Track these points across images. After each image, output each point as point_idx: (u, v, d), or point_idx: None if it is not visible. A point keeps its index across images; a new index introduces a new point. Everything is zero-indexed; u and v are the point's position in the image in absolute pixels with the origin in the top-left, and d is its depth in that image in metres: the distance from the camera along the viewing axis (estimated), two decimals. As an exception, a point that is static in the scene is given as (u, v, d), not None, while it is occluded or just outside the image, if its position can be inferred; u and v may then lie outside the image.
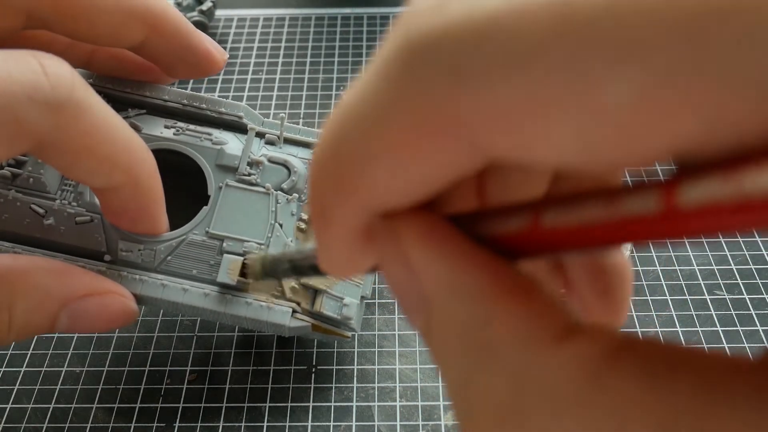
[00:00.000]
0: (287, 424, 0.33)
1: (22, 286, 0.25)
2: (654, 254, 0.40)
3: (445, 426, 0.33)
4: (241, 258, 0.30)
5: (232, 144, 0.33)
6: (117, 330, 0.37)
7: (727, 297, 0.38)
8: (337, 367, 0.35)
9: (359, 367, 0.35)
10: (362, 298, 0.32)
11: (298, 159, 0.33)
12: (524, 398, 0.11)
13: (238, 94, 0.51)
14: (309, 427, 0.33)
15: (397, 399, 0.34)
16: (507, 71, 0.10)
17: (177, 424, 0.33)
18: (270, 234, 0.31)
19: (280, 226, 0.32)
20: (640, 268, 0.39)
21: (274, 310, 0.30)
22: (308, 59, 0.54)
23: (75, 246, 0.30)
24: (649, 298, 0.38)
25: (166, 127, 0.33)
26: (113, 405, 0.34)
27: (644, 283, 0.38)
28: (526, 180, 0.16)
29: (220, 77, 0.52)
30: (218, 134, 0.33)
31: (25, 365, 0.35)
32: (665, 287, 0.38)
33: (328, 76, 0.52)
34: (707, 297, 0.38)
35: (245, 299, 0.30)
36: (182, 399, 0.34)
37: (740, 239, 0.40)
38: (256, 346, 0.36)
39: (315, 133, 0.35)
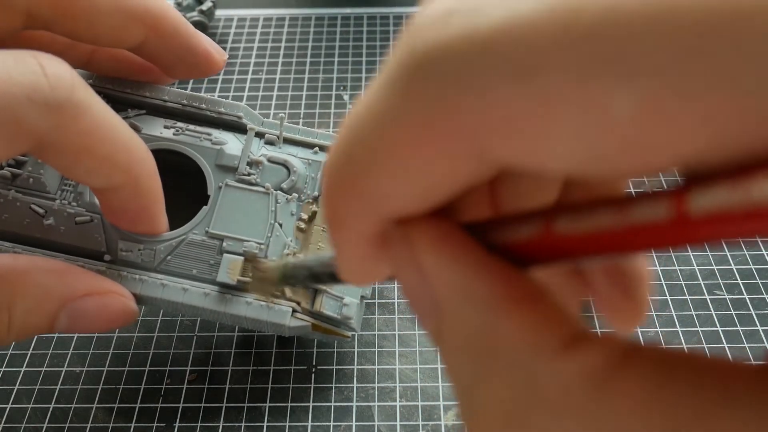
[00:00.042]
0: (287, 424, 0.33)
1: (22, 286, 0.25)
2: (654, 254, 0.40)
3: (445, 426, 0.33)
4: (241, 258, 0.30)
5: (232, 144, 0.33)
6: (117, 330, 0.37)
7: (727, 297, 0.38)
8: (337, 367, 0.35)
9: (359, 367, 0.35)
10: (362, 297, 0.32)
11: (297, 159, 0.33)
12: (529, 405, 0.11)
13: (237, 94, 0.51)
14: (309, 427, 0.33)
15: (397, 399, 0.34)
16: (510, 82, 0.10)
17: (177, 424, 0.33)
18: (270, 234, 0.31)
19: (280, 225, 0.32)
20: (640, 268, 0.39)
21: (274, 310, 0.30)
22: (308, 59, 0.54)
23: (75, 246, 0.30)
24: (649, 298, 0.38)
25: (166, 127, 0.33)
26: (113, 405, 0.34)
27: (644, 283, 0.38)
28: (537, 187, 0.16)
29: (220, 77, 0.52)
30: (218, 134, 0.33)
31: (25, 365, 0.35)
32: (665, 287, 0.38)
33: (328, 76, 0.52)
34: (707, 297, 0.38)
35: (245, 299, 0.30)
36: (182, 399, 0.34)
37: (740, 239, 0.40)
38: (256, 346, 0.36)
39: (315, 133, 0.35)
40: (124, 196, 0.27)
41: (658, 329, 0.36)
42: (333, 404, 0.34)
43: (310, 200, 0.33)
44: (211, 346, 0.36)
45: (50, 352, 0.36)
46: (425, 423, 0.33)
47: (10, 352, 0.36)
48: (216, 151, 0.33)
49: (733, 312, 0.37)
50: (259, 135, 0.34)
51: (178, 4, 0.54)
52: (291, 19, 0.58)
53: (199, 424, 0.33)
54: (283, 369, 0.35)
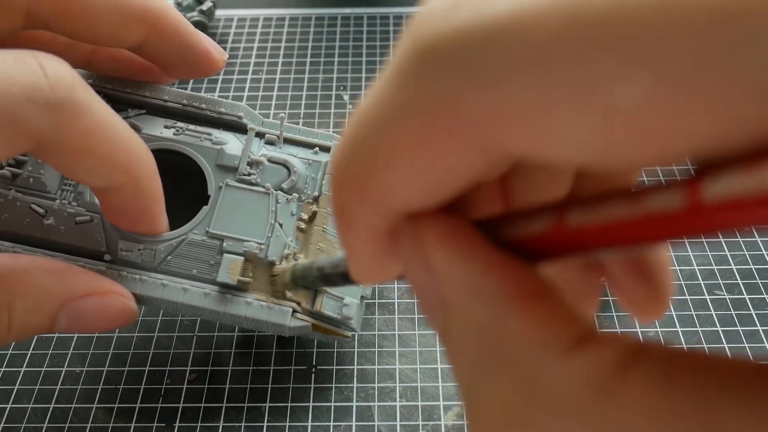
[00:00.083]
0: (287, 424, 0.33)
1: (22, 285, 0.25)
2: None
3: (445, 426, 0.33)
4: (242, 258, 0.30)
5: (232, 144, 0.33)
6: (117, 330, 0.37)
7: (727, 297, 0.38)
8: (337, 367, 0.35)
9: (359, 367, 0.35)
10: (362, 298, 0.32)
11: (298, 159, 0.33)
12: (534, 404, 0.11)
13: (238, 94, 0.51)
14: (309, 427, 0.33)
15: (397, 399, 0.34)
16: (516, 72, 0.10)
17: (177, 424, 0.33)
18: (270, 234, 0.31)
19: (280, 225, 0.32)
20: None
21: (275, 310, 0.30)
22: (308, 59, 0.54)
23: (75, 246, 0.30)
24: (649, 298, 0.38)
25: (166, 127, 0.33)
26: (113, 405, 0.34)
27: (644, 283, 0.38)
28: (548, 181, 0.16)
29: (220, 77, 0.52)
30: (218, 134, 0.33)
31: (25, 365, 0.35)
32: (665, 287, 0.38)
33: (328, 76, 0.52)
34: (707, 297, 0.38)
35: (245, 299, 0.30)
36: (182, 399, 0.34)
37: (740, 239, 0.40)
38: (256, 346, 0.36)
39: (315, 134, 0.35)
40: (124, 196, 0.27)
41: (658, 329, 0.36)
42: (333, 404, 0.34)
43: (311, 200, 0.33)
44: (211, 346, 0.36)
45: (50, 352, 0.36)
46: (425, 423, 0.33)
47: (10, 352, 0.36)
48: (216, 151, 0.33)
49: (733, 312, 0.37)
50: (260, 135, 0.34)
51: (178, 4, 0.54)
52: (291, 19, 0.58)
53: (199, 424, 0.33)
54: (283, 369, 0.35)
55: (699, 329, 0.36)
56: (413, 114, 0.11)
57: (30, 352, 0.36)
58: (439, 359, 0.35)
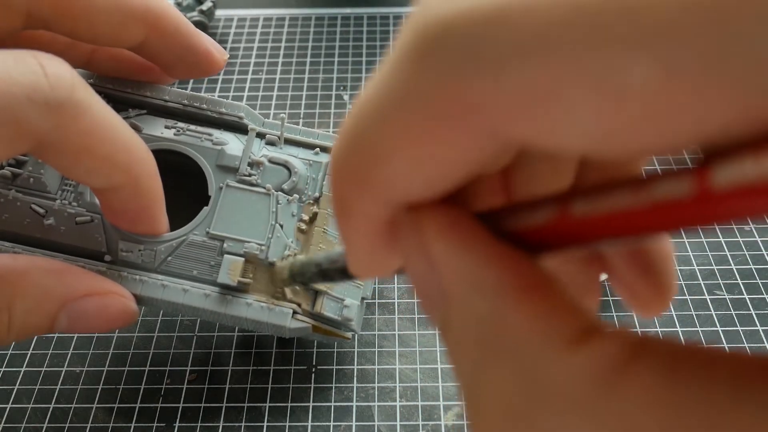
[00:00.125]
0: (287, 424, 0.33)
1: (22, 286, 0.25)
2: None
3: (445, 426, 0.33)
4: (242, 259, 0.30)
5: (233, 144, 0.33)
6: (117, 330, 0.37)
7: (727, 297, 0.38)
8: (337, 367, 0.35)
9: (359, 367, 0.35)
10: (363, 299, 0.32)
11: (298, 160, 0.33)
12: (537, 400, 0.10)
13: (238, 94, 0.51)
14: (309, 427, 0.33)
15: (397, 399, 0.34)
16: (524, 56, 0.10)
17: (177, 424, 0.33)
18: (270, 235, 0.31)
19: (281, 226, 0.32)
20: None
21: (275, 311, 0.30)
22: (308, 59, 0.54)
23: (75, 246, 0.30)
24: (649, 298, 0.38)
25: (167, 127, 0.33)
26: (113, 405, 0.34)
27: (644, 283, 0.38)
28: (551, 172, 0.16)
29: (220, 77, 0.52)
30: (219, 135, 0.33)
31: (25, 365, 0.35)
32: (665, 287, 0.38)
33: (328, 76, 0.52)
34: (707, 297, 0.38)
35: (246, 300, 0.30)
36: (182, 399, 0.34)
37: (740, 239, 0.40)
38: (256, 346, 0.36)
39: (316, 134, 0.35)
40: (124, 196, 0.27)
41: (658, 329, 0.36)
42: (333, 404, 0.34)
43: (311, 201, 0.33)
44: (211, 346, 0.36)
45: (50, 352, 0.36)
46: (425, 423, 0.33)
47: (10, 352, 0.36)
48: (217, 151, 0.33)
49: (733, 312, 0.37)
50: (260, 135, 0.34)
51: (178, 4, 0.54)
52: (291, 19, 0.58)
53: (199, 424, 0.33)
54: (283, 369, 0.35)
55: (699, 329, 0.36)
56: (417, 102, 0.11)
57: (30, 352, 0.36)
58: (439, 359, 0.35)
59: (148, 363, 0.35)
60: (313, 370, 0.35)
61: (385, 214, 0.13)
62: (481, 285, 0.12)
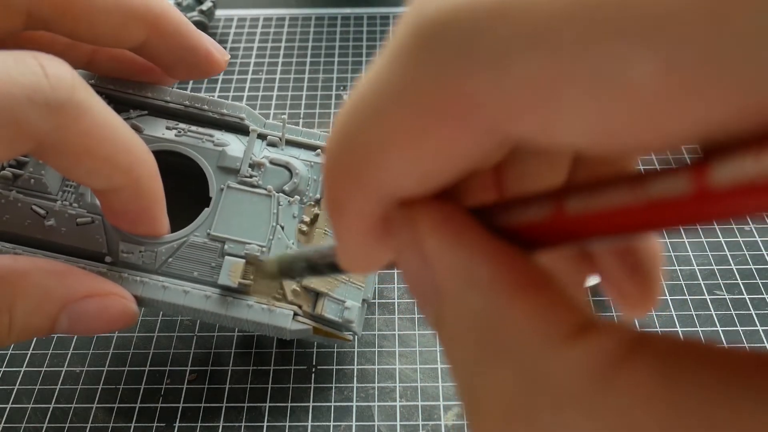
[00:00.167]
0: (287, 424, 0.33)
1: (23, 287, 0.25)
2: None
3: (445, 426, 0.33)
4: (243, 260, 0.30)
5: (234, 146, 0.33)
6: (117, 330, 0.37)
7: (727, 297, 0.38)
8: (337, 367, 0.35)
9: (359, 367, 0.35)
10: (364, 301, 0.32)
11: (299, 161, 0.33)
12: (534, 395, 0.10)
13: (238, 94, 0.51)
14: (309, 427, 0.33)
15: (397, 399, 0.34)
16: (523, 50, 0.09)
17: (177, 424, 0.33)
18: (271, 236, 0.31)
19: (282, 228, 0.32)
20: (640, 269, 0.39)
21: (276, 313, 0.30)
22: (308, 59, 0.54)
23: (76, 247, 0.30)
24: (649, 298, 0.38)
25: (168, 128, 0.33)
26: (113, 405, 0.34)
27: (644, 283, 0.38)
28: (545, 168, 0.16)
29: (220, 77, 0.52)
30: (220, 136, 0.33)
31: (25, 365, 0.35)
32: (665, 287, 0.38)
33: (328, 76, 0.52)
34: (707, 297, 0.38)
35: (246, 302, 0.30)
36: (182, 399, 0.34)
37: (740, 239, 0.40)
38: (256, 346, 0.36)
39: (317, 135, 0.35)
40: (125, 197, 0.27)
41: (658, 329, 0.36)
42: (333, 404, 0.34)
43: (312, 203, 0.33)
44: (211, 346, 0.36)
45: (50, 352, 0.36)
46: (425, 423, 0.33)
47: (10, 352, 0.36)
48: (218, 152, 0.33)
49: (733, 312, 0.37)
50: (261, 137, 0.34)
51: (178, 4, 0.54)
52: (291, 19, 0.58)
53: (199, 424, 0.33)
54: (283, 369, 0.35)
55: (699, 329, 0.36)
56: (413, 98, 0.11)
57: (30, 352, 0.36)
58: (439, 359, 0.35)
59: (148, 363, 0.35)
60: (313, 370, 0.35)
61: (378, 211, 0.13)
62: (475, 280, 0.12)
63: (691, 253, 0.40)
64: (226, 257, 0.30)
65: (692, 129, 0.09)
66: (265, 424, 0.33)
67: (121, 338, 0.36)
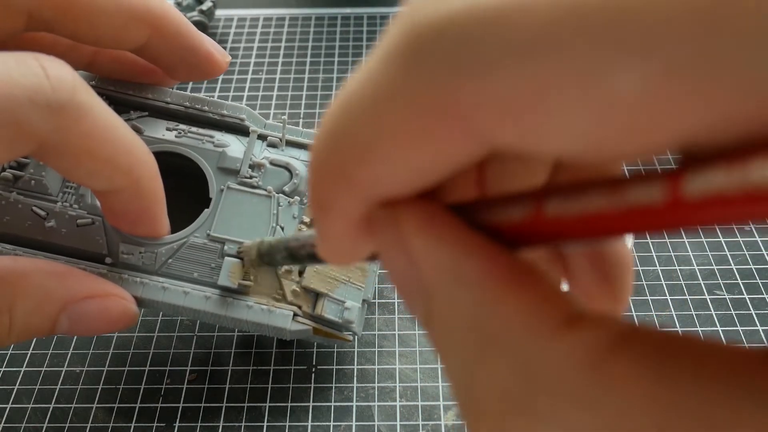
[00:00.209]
0: (287, 424, 0.33)
1: (23, 287, 0.25)
2: (654, 254, 0.40)
3: (445, 426, 0.33)
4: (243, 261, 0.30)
5: (234, 146, 0.33)
6: (117, 331, 0.37)
7: (727, 297, 0.38)
8: (337, 367, 0.35)
9: (359, 367, 0.35)
10: (364, 301, 0.32)
11: (300, 162, 0.33)
12: (530, 387, 0.10)
13: (237, 94, 0.51)
14: (309, 427, 0.33)
15: (397, 399, 0.34)
16: (514, 60, 0.10)
17: (177, 424, 0.33)
18: (272, 237, 0.31)
19: (282, 229, 0.32)
20: (640, 268, 0.39)
21: (275, 314, 0.30)
22: (308, 59, 0.54)
23: (76, 248, 0.30)
24: (649, 298, 0.38)
25: (168, 129, 0.33)
26: (113, 405, 0.34)
27: (644, 283, 0.38)
28: (526, 169, 0.16)
29: (220, 77, 0.52)
30: (220, 137, 0.33)
31: (25, 365, 0.35)
32: (665, 287, 0.38)
33: (328, 76, 0.52)
34: (707, 297, 0.38)
35: (246, 302, 0.30)
36: (182, 399, 0.34)
37: (740, 239, 0.40)
38: (256, 346, 0.36)
39: (317, 135, 0.34)
40: (125, 198, 0.27)
41: (658, 329, 0.36)
42: (333, 404, 0.34)
43: (312, 203, 0.33)
44: (211, 346, 0.36)
45: (50, 352, 0.36)
46: (425, 423, 0.33)
47: (10, 352, 0.36)
48: (218, 153, 0.33)
49: (733, 312, 0.37)
50: (262, 137, 0.34)
51: (178, 4, 0.54)
52: (291, 19, 0.58)
53: (199, 424, 0.33)
54: (283, 369, 0.35)
55: (699, 329, 0.36)
56: (403, 102, 0.11)
57: (30, 352, 0.36)
58: (439, 359, 0.35)
59: (148, 363, 0.35)
60: (313, 370, 0.35)
61: (362, 210, 0.13)
62: (463, 277, 0.12)
63: (691, 253, 0.40)
64: (226, 258, 0.30)
65: (674, 137, 0.09)
66: (265, 424, 0.33)
67: (121, 338, 0.36)
